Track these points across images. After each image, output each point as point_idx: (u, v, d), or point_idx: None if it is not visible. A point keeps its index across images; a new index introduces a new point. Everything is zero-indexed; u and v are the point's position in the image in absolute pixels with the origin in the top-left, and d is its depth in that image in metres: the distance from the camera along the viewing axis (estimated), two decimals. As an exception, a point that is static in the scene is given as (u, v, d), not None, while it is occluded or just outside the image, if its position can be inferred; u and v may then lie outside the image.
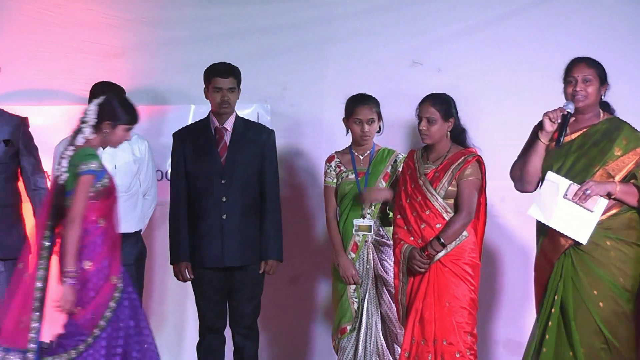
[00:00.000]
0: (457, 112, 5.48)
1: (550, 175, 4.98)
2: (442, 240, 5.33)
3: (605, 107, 5.14)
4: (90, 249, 4.83)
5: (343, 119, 5.81)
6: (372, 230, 5.72)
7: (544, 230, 5.02)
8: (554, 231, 4.95)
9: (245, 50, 6.46)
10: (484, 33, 6.50)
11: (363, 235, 5.72)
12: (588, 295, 4.87)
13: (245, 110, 6.35)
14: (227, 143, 5.74)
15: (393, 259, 5.58)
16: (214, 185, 5.69)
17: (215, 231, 5.68)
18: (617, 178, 4.91)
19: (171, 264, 5.79)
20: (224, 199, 5.69)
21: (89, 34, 6.51)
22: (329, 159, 5.86)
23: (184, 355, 6.52)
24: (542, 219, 4.99)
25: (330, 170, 5.81)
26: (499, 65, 6.43)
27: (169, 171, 5.99)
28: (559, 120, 4.93)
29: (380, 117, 5.79)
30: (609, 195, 4.87)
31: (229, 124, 5.79)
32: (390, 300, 5.66)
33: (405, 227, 5.45)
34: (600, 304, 4.87)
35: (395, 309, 5.59)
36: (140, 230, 5.85)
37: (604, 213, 4.89)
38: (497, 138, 6.11)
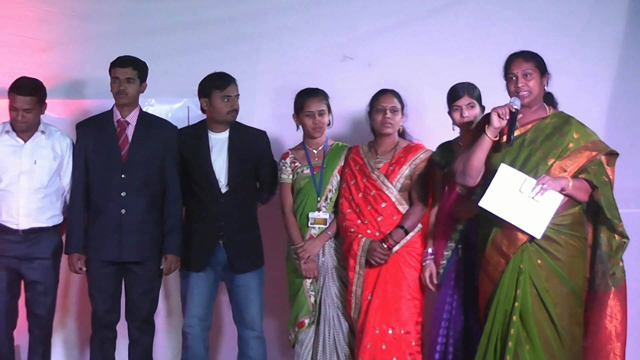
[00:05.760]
0: None
1: (504, 167, 4.90)
2: (406, 229, 5.45)
3: (548, 98, 5.14)
4: None
5: (293, 115, 5.80)
6: (327, 223, 5.73)
7: (496, 224, 4.95)
8: (509, 225, 4.89)
9: (176, 44, 6.47)
10: (414, 27, 6.51)
11: (319, 228, 5.73)
12: (545, 290, 4.87)
13: (176, 104, 6.36)
14: (129, 137, 5.69)
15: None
16: (113, 180, 5.63)
17: (113, 225, 5.63)
18: (568, 172, 4.90)
19: (65, 254, 5.73)
20: (124, 194, 5.63)
21: (17, 28, 6.44)
22: (284, 156, 5.85)
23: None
24: (495, 211, 4.89)
25: (286, 167, 5.81)
26: (430, 59, 6.44)
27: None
28: (507, 117, 4.89)
29: (330, 110, 5.80)
30: (561, 191, 4.86)
31: (132, 118, 5.73)
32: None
33: (360, 221, 5.53)
34: (555, 300, 4.88)
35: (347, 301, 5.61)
36: (58, 225, 5.76)
37: (557, 210, 4.86)
38: (429, 130, 6.06)
